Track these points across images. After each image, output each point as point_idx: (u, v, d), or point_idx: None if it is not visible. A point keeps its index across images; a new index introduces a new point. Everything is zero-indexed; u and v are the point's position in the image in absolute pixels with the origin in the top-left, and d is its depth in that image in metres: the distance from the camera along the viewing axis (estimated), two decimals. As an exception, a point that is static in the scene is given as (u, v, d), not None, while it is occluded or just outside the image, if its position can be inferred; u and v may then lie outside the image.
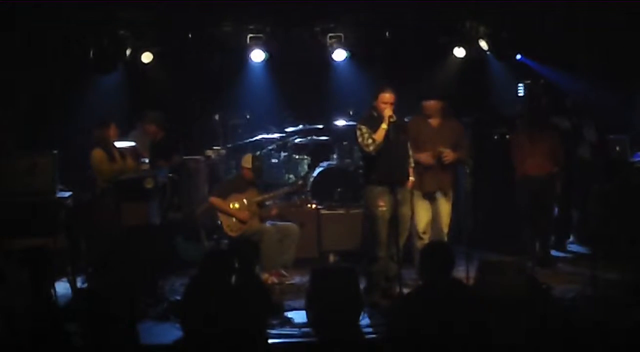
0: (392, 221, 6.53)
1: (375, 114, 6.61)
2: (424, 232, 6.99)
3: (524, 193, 7.73)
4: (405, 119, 6.95)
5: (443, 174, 7.00)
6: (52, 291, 5.76)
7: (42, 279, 4.69)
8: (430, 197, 7.04)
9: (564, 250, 8.49)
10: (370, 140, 6.53)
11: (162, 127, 8.33)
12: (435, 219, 7.06)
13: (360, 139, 6.61)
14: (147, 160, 7.55)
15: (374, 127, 6.54)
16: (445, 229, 7.06)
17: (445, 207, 7.06)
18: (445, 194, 7.07)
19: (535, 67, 9.27)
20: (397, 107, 6.61)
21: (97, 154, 7.13)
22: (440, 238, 6.93)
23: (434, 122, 7.08)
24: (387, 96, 6.56)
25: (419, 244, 6.87)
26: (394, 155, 6.50)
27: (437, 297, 4.52)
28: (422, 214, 6.99)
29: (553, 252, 8.18)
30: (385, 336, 5.36)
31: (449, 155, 6.91)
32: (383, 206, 6.54)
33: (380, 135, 6.49)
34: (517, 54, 9.29)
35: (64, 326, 4.71)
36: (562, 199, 8.24)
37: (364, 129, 6.58)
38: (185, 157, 8.64)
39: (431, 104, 7.07)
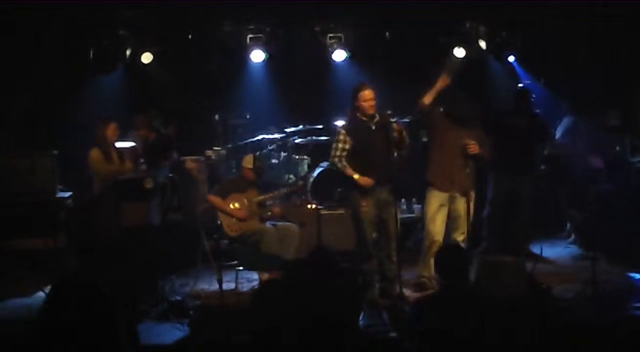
0: (380, 222, 6.48)
1: (358, 114, 6.43)
2: (437, 234, 6.68)
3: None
4: (392, 120, 6.43)
5: (464, 174, 6.61)
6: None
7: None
8: (449, 197, 6.71)
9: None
10: (336, 158, 6.44)
11: (152, 129, 8.33)
12: (452, 221, 6.72)
13: (334, 145, 6.49)
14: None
15: (358, 131, 6.39)
16: (464, 229, 6.67)
17: (464, 206, 6.62)
18: (465, 195, 6.64)
19: (520, 72, 9.28)
20: (397, 107, 6.57)
21: (94, 154, 7.14)
22: (457, 239, 6.68)
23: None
24: (367, 93, 6.37)
25: (436, 247, 6.55)
26: (377, 155, 6.38)
27: (455, 301, 4.48)
28: (438, 216, 6.68)
29: (553, 251, 8.20)
30: (406, 337, 5.32)
31: (474, 146, 6.58)
32: (365, 206, 6.45)
33: (348, 171, 6.39)
34: (516, 54, 9.30)
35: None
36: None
37: (342, 137, 6.42)
38: (184, 158, 8.63)
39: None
